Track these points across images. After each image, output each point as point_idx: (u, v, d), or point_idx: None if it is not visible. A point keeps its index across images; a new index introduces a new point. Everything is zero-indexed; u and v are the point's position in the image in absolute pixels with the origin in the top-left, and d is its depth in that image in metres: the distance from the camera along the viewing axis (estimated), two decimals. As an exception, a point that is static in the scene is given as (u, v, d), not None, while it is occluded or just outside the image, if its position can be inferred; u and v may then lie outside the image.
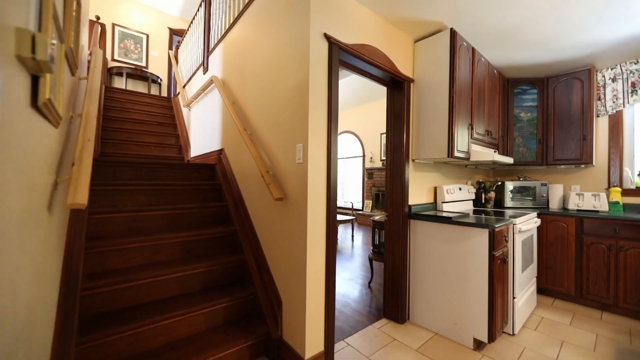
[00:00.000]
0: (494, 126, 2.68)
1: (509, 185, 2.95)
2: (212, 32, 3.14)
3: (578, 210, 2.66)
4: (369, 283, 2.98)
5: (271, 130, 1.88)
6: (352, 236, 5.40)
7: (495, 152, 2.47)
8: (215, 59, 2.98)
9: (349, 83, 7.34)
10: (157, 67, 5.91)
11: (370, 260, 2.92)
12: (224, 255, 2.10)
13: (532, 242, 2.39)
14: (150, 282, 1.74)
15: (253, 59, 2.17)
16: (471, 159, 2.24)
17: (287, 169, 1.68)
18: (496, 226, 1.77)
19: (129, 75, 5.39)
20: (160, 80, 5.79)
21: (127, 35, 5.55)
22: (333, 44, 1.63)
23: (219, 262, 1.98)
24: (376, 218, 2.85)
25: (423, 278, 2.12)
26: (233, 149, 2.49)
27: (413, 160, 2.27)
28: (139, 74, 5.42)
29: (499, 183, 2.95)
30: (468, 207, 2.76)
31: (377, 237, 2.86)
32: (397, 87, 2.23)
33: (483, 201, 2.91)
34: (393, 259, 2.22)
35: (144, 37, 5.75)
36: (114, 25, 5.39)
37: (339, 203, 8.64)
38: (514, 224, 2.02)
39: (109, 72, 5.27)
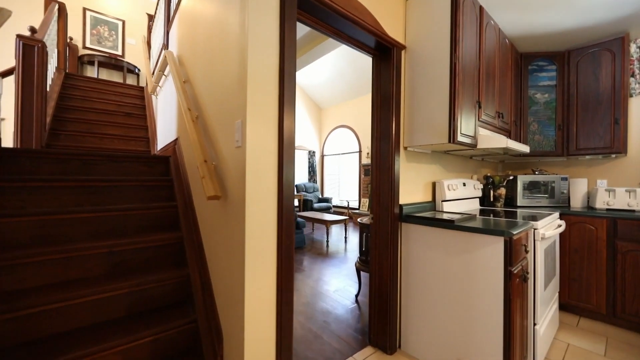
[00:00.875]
0: (506, 108, 2.21)
1: (523, 180, 2.48)
2: (172, 4, 2.69)
3: (608, 209, 2.18)
4: (356, 296, 2.53)
5: (213, 107, 1.43)
6: (346, 238, 4.95)
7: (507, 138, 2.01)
8: (173, 33, 2.53)
9: (343, 74, 6.86)
10: (135, 56, 5.47)
11: (358, 271, 2.46)
12: (166, 269, 1.66)
13: (554, 250, 1.92)
14: (53, 309, 1.30)
15: (201, 20, 1.72)
16: (478, 146, 1.78)
17: (228, 157, 1.23)
18: (514, 233, 1.31)
19: (102, 64, 4.97)
20: (138, 70, 5.35)
21: (100, 21, 5.12)
22: (287, -18, 1.17)
23: (156, 278, 1.54)
24: (364, 220, 2.40)
25: (418, 297, 1.67)
26: (185, 137, 2.04)
27: (405, 149, 1.81)
28: (114, 62, 4.99)
29: (511, 177, 2.48)
30: (474, 206, 2.30)
31: (364, 243, 2.41)
32: (385, 55, 1.77)
33: (492, 199, 2.45)
34: (380, 272, 1.77)
35: (120, 23, 5.31)
36: (85, 9, 4.95)
37: (334, 202, 8.19)
38: (535, 229, 1.56)
39: (80, 61, 4.84)
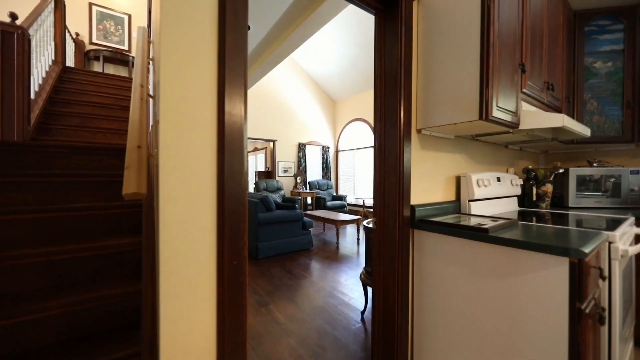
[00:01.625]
0: (556, 80, 1.69)
1: (577, 174, 1.94)
2: (154, -22, 2.40)
3: None
4: (362, 313, 2.13)
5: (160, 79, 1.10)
6: (358, 240, 4.52)
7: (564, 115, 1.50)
8: (152, 12, 2.24)
9: (357, 63, 6.39)
10: (142, 50, 5.35)
11: (364, 285, 2.06)
12: (118, 284, 1.36)
13: (630, 270, 1.40)
14: (-41, 335, 1.03)
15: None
16: (521, 126, 1.30)
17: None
18: (587, 251, 0.85)
19: (108, 59, 4.89)
20: (145, 65, 5.23)
21: (106, 16, 5.04)
22: None
23: (99, 295, 1.24)
24: (370, 224, 1.98)
25: (436, 331, 1.24)
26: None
27: (419, 132, 1.38)
28: (119, 57, 4.90)
29: (560, 171, 1.95)
30: (511, 207, 1.81)
31: (371, 251, 1.99)
32: (390, 9, 1.34)
33: (534, 198, 1.93)
34: (385, 294, 1.36)
35: (126, 17, 5.20)
36: (90, 4, 4.88)
37: (349, 199, 7.75)
38: (610, 243, 1.07)
39: (86, 57, 4.78)
